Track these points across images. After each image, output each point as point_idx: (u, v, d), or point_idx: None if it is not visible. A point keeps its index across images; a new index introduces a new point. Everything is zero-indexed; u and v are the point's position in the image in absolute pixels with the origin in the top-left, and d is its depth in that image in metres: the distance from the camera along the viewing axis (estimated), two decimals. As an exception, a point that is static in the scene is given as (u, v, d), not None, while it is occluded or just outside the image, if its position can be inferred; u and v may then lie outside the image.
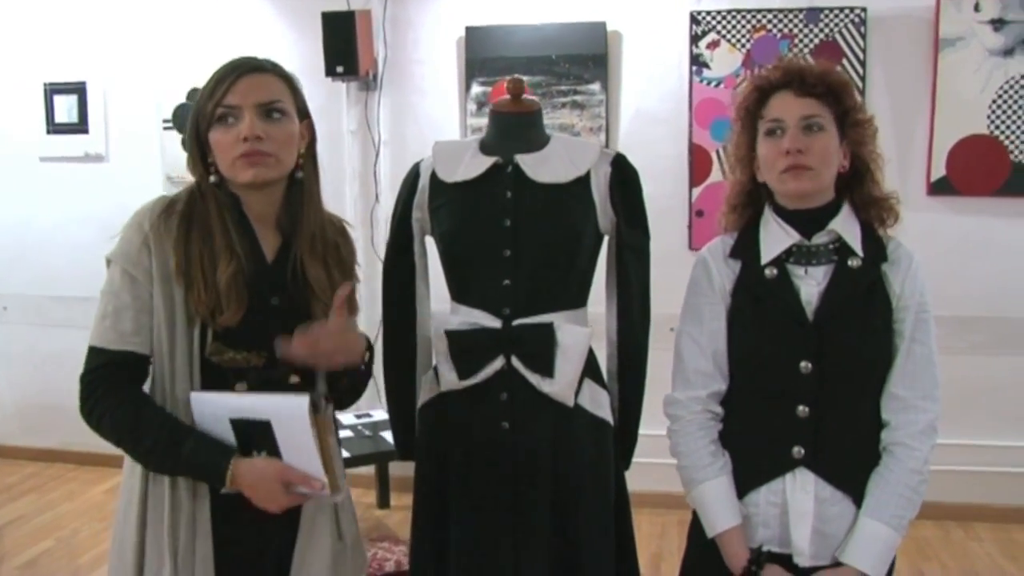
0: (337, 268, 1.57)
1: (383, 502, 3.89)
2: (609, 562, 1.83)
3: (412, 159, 3.93)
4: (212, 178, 1.48)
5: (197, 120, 1.47)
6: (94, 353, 1.44)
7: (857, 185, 1.56)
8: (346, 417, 3.70)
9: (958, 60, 3.45)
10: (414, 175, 1.93)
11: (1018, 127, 3.46)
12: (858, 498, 1.51)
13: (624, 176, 1.86)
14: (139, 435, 1.40)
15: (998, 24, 3.42)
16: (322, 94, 3.88)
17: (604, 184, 1.84)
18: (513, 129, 1.89)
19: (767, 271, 1.55)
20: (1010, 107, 3.45)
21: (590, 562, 1.80)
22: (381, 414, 3.78)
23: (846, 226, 1.54)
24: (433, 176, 1.88)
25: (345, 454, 3.24)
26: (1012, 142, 3.47)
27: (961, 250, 3.52)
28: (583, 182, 1.83)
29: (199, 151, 1.49)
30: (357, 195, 3.96)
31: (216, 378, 1.44)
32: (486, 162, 1.84)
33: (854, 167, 1.56)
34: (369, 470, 3.81)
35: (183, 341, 1.43)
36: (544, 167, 1.82)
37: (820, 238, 1.54)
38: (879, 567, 1.48)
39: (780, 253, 1.54)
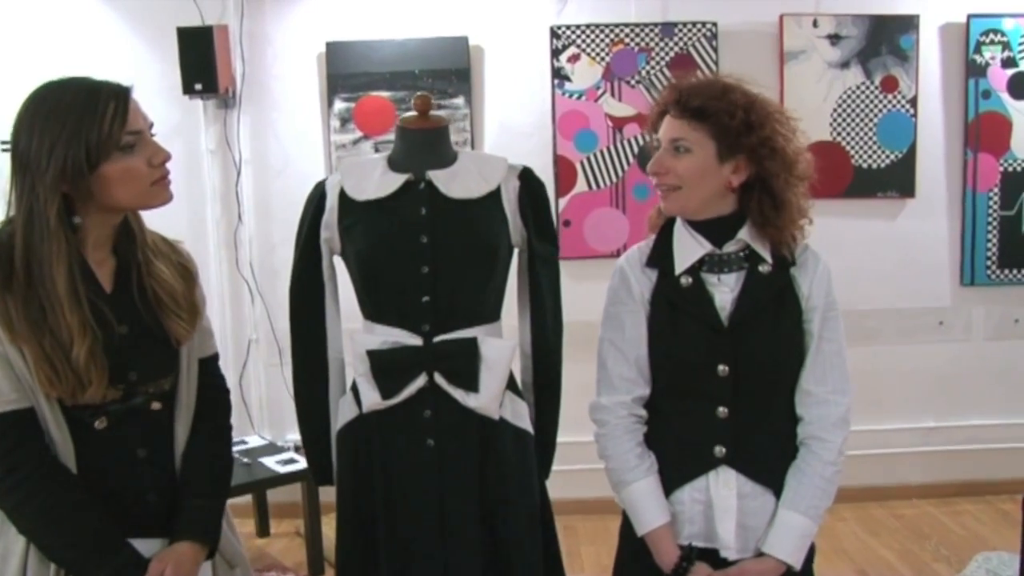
0: (179, 274, 1.52)
1: (263, 531, 3.76)
2: (539, 572, 1.84)
3: (275, 178, 3.90)
4: (77, 219, 1.35)
5: (88, 150, 1.31)
6: None
7: (756, 198, 1.57)
8: (218, 446, 3.56)
9: (802, 72, 3.67)
10: (319, 194, 1.88)
11: (856, 134, 3.71)
12: (778, 491, 1.56)
13: (533, 190, 1.89)
14: (54, 544, 1.33)
15: (834, 39, 3.66)
16: (178, 113, 3.75)
17: (514, 198, 1.86)
18: (422, 145, 1.87)
19: (682, 280, 1.59)
20: (848, 115, 3.70)
21: (521, 573, 1.80)
22: (257, 440, 3.67)
23: (755, 234, 1.58)
24: (342, 194, 1.84)
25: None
26: (852, 147, 3.72)
27: (814, 249, 3.72)
28: (494, 197, 1.84)
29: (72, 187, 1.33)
30: (219, 216, 3.82)
31: (72, 418, 1.36)
32: (398, 179, 1.82)
33: (760, 179, 1.57)
34: (246, 498, 3.68)
35: (40, 390, 1.32)
36: (456, 182, 1.82)
37: (730, 247, 1.59)
38: (797, 555, 1.55)
39: (694, 262, 1.59)
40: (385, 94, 3.68)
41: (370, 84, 3.69)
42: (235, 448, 3.51)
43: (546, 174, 3.70)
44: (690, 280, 1.59)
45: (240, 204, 3.81)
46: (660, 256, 1.64)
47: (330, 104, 3.72)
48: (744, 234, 1.58)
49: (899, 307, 3.85)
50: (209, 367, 1.59)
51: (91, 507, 1.36)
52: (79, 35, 3.72)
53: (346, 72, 3.70)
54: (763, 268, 1.58)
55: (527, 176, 1.89)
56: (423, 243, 1.77)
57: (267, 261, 3.83)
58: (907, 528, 3.62)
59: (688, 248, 1.60)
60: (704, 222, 1.60)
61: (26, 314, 1.29)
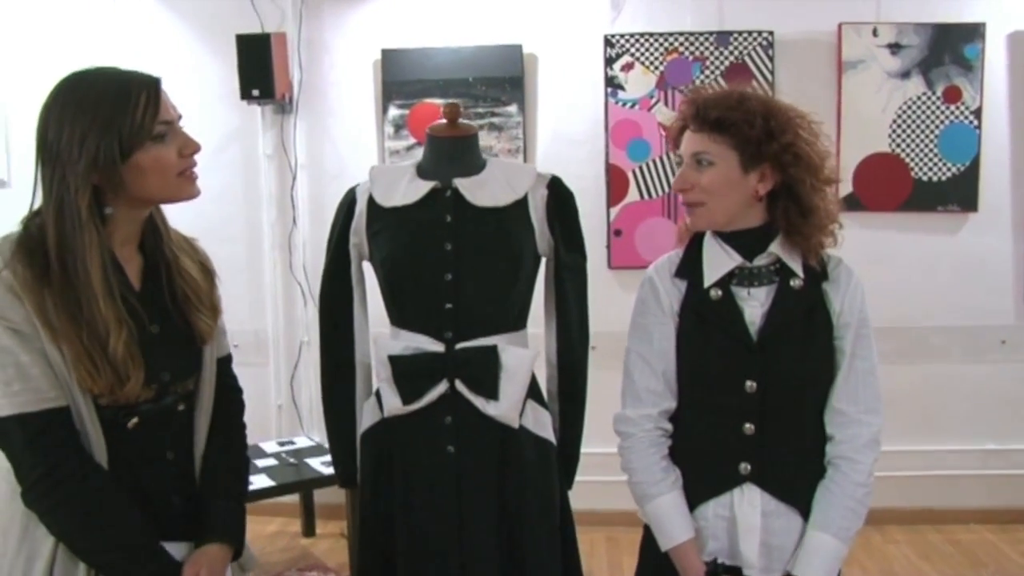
0: (200, 268, 1.53)
1: (308, 530, 3.81)
2: None
3: (330, 182, 3.94)
4: (109, 210, 1.33)
5: (121, 139, 1.29)
6: (13, 424, 1.27)
7: (782, 206, 1.54)
8: (269, 445, 3.62)
9: (860, 82, 3.60)
10: (350, 200, 1.91)
11: (917, 145, 3.62)
12: (804, 510, 1.54)
13: (561, 199, 1.88)
14: (93, 546, 1.31)
15: (895, 48, 3.58)
16: (237, 117, 3.84)
17: (541, 207, 1.86)
18: (450, 153, 1.89)
19: (712, 292, 1.56)
20: (909, 126, 3.61)
21: None
22: (305, 441, 3.71)
23: (786, 247, 1.55)
24: (371, 200, 1.87)
25: (270, 483, 3.19)
26: (912, 159, 3.63)
27: (869, 264, 3.57)
28: (521, 205, 1.84)
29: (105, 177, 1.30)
30: (275, 219, 3.90)
31: (106, 418, 1.34)
32: (425, 186, 1.84)
33: (786, 186, 1.54)
34: (293, 498, 3.73)
35: (78, 389, 1.30)
36: (483, 191, 1.83)
37: (761, 260, 1.56)
38: None
39: (723, 275, 1.57)
40: (439, 101, 3.70)
41: (424, 91, 3.72)
42: (284, 448, 3.57)
43: (598, 183, 3.71)
44: (720, 293, 1.56)
45: (295, 208, 3.87)
46: (690, 267, 1.61)
47: (384, 110, 3.76)
48: (775, 247, 1.55)
49: (960, 325, 3.73)
50: (224, 367, 1.58)
51: (128, 510, 1.34)
52: (144, 40, 3.83)
53: (401, 79, 3.74)
54: (794, 283, 1.54)
55: (556, 185, 1.89)
56: (447, 250, 1.78)
57: (320, 264, 3.84)
58: (962, 554, 3.49)
59: (718, 260, 1.57)
60: (734, 234, 1.57)
61: (64, 307, 1.27)
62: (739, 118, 1.50)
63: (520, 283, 1.83)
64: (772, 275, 1.56)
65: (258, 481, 3.19)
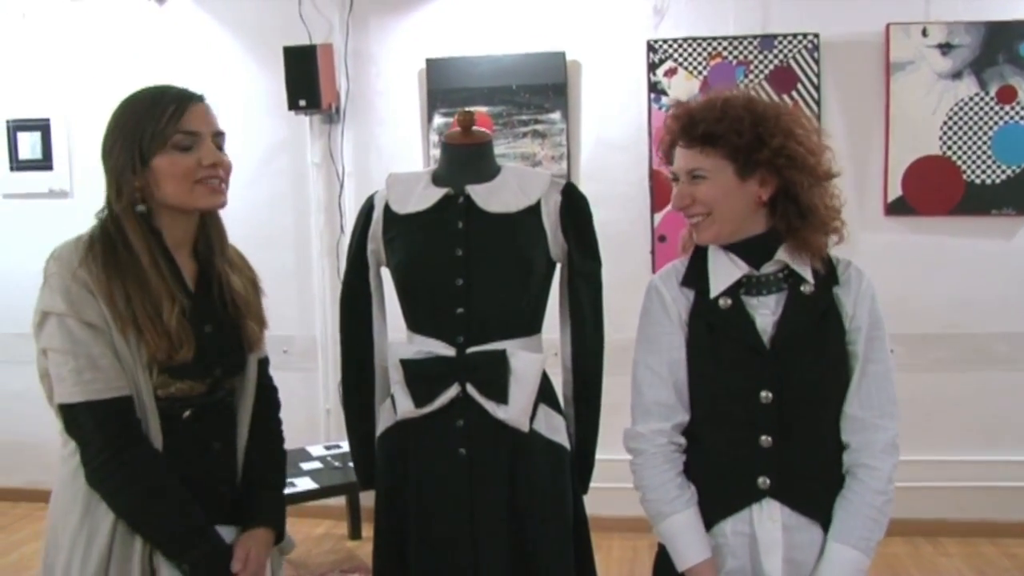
0: (250, 284, 1.65)
1: (355, 533, 3.87)
2: None
3: (376, 190, 4.00)
4: (140, 207, 1.47)
5: (141, 145, 1.45)
6: (84, 410, 1.41)
7: (781, 209, 1.52)
8: (315, 448, 3.68)
9: (909, 83, 3.53)
10: (368, 207, 1.96)
11: (969, 148, 3.55)
12: (826, 523, 1.50)
13: (574, 204, 1.90)
14: (153, 525, 1.44)
15: (945, 49, 3.51)
16: (285, 127, 3.92)
17: (555, 213, 1.87)
18: (464, 160, 1.92)
19: (721, 301, 1.53)
20: (960, 128, 3.54)
21: None
22: (350, 446, 3.76)
23: (793, 253, 1.53)
24: (386, 208, 1.91)
25: (315, 486, 3.24)
26: (964, 162, 3.55)
27: (920, 269, 3.59)
28: (534, 211, 1.86)
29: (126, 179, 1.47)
30: (323, 227, 3.97)
31: (163, 409, 1.47)
32: (438, 193, 1.87)
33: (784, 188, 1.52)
34: (340, 501, 3.79)
35: (143, 380, 1.44)
36: (495, 197, 1.86)
37: (768, 267, 1.54)
38: None
39: (731, 284, 1.54)
40: (483, 109, 3.74)
41: (469, 99, 3.75)
42: (330, 451, 3.62)
43: (642, 189, 3.72)
44: (729, 301, 1.53)
45: (343, 215, 3.93)
46: (696, 276, 1.58)
47: (430, 119, 3.80)
48: (783, 254, 1.52)
49: (1017, 331, 3.63)
50: (262, 368, 1.69)
51: (186, 493, 1.46)
52: (191, 54, 3.94)
53: (446, 87, 3.78)
54: (805, 288, 1.52)
55: (570, 191, 1.90)
56: (458, 256, 1.81)
57: (366, 271, 3.93)
58: (1019, 568, 3.39)
59: (724, 270, 1.54)
60: (739, 243, 1.54)
61: (135, 277, 1.42)
62: (726, 129, 1.49)
63: (531, 288, 1.85)
64: (781, 282, 1.53)
65: (302, 484, 3.25)
